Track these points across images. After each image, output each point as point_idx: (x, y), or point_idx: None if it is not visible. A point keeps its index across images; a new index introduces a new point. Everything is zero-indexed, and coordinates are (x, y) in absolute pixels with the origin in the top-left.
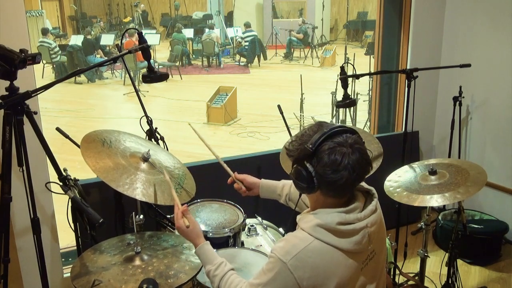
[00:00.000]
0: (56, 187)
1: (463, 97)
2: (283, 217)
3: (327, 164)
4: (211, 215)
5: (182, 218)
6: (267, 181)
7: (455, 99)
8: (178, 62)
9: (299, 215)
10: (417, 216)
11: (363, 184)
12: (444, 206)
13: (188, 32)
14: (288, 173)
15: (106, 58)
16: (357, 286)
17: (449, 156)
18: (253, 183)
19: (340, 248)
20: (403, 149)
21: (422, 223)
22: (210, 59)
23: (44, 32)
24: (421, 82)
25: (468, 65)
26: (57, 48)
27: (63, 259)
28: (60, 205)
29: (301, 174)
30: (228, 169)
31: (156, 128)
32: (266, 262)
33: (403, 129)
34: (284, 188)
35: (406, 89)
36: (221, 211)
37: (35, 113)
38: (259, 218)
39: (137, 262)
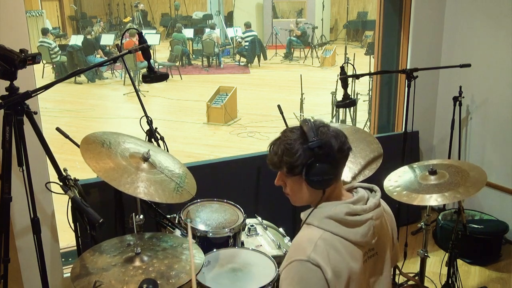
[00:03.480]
0: (56, 187)
1: (463, 97)
2: (283, 217)
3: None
4: (211, 215)
5: None
6: None
7: (455, 99)
8: (178, 62)
9: (303, 212)
10: (417, 216)
11: (365, 184)
12: (444, 206)
13: (188, 32)
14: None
15: (106, 58)
16: (362, 280)
17: (449, 156)
18: None
19: (349, 239)
20: (403, 149)
21: (422, 223)
22: (210, 59)
23: (44, 32)
24: (421, 82)
25: (468, 65)
26: (57, 48)
27: (63, 259)
28: (60, 205)
29: (321, 168)
30: None
31: (156, 128)
32: (283, 283)
33: (403, 129)
34: None
35: (406, 89)
36: (221, 211)
37: (35, 113)
38: (259, 218)
39: (137, 263)
